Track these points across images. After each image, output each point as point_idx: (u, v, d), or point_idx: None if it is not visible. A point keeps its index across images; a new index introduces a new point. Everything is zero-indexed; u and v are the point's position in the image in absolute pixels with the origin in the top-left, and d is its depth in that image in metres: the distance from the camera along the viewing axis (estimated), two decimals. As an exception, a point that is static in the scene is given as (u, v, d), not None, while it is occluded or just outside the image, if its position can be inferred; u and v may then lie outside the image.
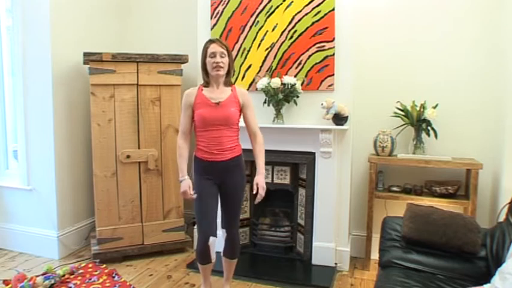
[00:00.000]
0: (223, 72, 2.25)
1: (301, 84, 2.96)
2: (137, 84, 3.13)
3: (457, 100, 2.99)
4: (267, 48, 3.11)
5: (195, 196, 2.26)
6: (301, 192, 3.19)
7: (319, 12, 2.93)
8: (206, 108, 2.25)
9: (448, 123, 3.00)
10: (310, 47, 2.98)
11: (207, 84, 2.32)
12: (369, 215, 3.00)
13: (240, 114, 2.36)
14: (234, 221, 2.41)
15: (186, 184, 2.27)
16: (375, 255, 2.94)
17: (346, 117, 2.89)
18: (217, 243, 2.38)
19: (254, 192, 2.27)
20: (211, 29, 3.24)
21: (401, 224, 2.23)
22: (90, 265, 3.05)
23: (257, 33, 3.12)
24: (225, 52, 2.23)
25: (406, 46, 3.09)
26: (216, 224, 2.32)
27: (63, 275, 2.81)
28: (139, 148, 3.17)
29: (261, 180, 2.29)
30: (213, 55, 2.21)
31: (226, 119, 2.25)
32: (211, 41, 2.26)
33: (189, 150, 2.38)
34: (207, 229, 2.29)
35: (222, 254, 2.48)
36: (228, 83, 2.34)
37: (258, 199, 2.27)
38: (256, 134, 2.38)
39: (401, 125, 3.00)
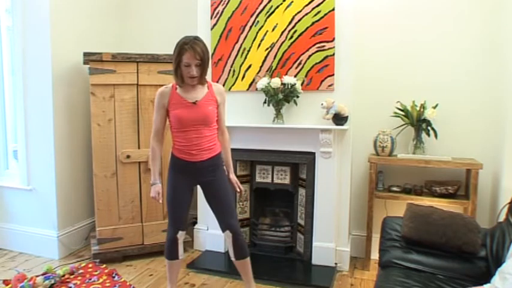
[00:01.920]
0: (196, 81, 2.19)
1: (301, 84, 2.96)
2: (137, 84, 3.13)
3: (457, 100, 2.99)
4: (267, 48, 3.11)
5: (160, 201, 2.35)
6: (301, 192, 3.19)
7: (319, 12, 2.93)
8: (182, 108, 2.19)
9: (448, 123, 3.00)
10: (310, 47, 2.98)
11: (181, 83, 2.22)
12: (369, 215, 3.00)
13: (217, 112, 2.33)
14: (231, 218, 2.34)
15: (157, 190, 2.32)
16: (375, 255, 2.94)
17: (346, 117, 2.89)
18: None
19: (238, 190, 2.39)
20: (211, 29, 3.24)
21: (401, 224, 2.23)
22: (90, 265, 3.05)
23: (257, 33, 3.12)
24: (200, 62, 2.11)
25: (406, 46, 3.09)
26: (186, 219, 2.39)
27: (63, 275, 2.81)
28: (139, 148, 3.17)
29: (234, 177, 2.43)
30: (188, 65, 2.11)
31: (204, 119, 2.21)
32: (185, 49, 2.09)
33: (162, 151, 2.40)
34: (177, 222, 2.34)
35: (233, 258, 2.40)
36: (203, 82, 2.25)
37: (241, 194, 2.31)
38: (223, 131, 2.41)
39: (401, 125, 3.00)
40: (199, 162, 2.26)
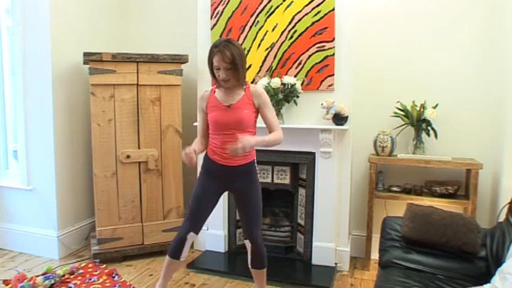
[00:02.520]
0: (229, 84, 2.11)
1: (301, 84, 2.96)
2: (137, 84, 3.13)
3: (457, 100, 2.99)
4: (267, 48, 3.11)
5: (184, 155, 2.05)
6: (301, 192, 3.19)
7: (319, 12, 2.93)
8: (218, 111, 2.16)
9: (448, 123, 3.00)
10: (310, 47, 2.98)
11: (219, 85, 2.18)
12: (369, 215, 3.00)
13: (257, 116, 2.22)
14: (255, 229, 2.28)
15: (185, 151, 2.06)
16: (375, 255, 2.94)
17: (346, 117, 2.89)
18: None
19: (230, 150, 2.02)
20: (211, 29, 3.24)
21: (401, 224, 2.23)
22: (90, 265, 3.05)
23: (257, 33, 3.12)
24: (229, 65, 2.04)
25: (406, 46, 3.09)
26: (202, 224, 2.30)
27: (63, 275, 2.81)
28: (139, 148, 3.17)
29: (247, 139, 1.98)
30: (217, 68, 2.07)
31: (238, 123, 2.13)
32: (213, 52, 2.06)
33: (206, 144, 2.28)
34: (193, 222, 2.26)
35: (249, 266, 2.38)
36: (241, 84, 2.16)
37: (232, 150, 1.98)
38: (277, 132, 2.18)
39: (401, 125, 3.00)
40: (232, 168, 2.19)
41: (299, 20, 2.99)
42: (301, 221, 3.18)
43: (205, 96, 2.26)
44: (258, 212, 2.28)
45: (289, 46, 3.04)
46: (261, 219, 2.32)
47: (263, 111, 2.19)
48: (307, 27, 2.97)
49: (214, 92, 2.23)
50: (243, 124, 2.15)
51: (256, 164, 2.31)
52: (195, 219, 2.27)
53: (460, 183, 2.89)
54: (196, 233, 2.29)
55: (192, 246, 3.39)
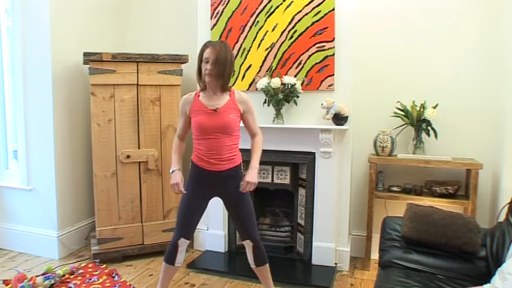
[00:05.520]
0: (211, 79, 2.13)
1: (301, 84, 2.96)
2: (137, 84, 3.13)
3: (457, 100, 2.99)
4: (267, 48, 3.11)
5: (184, 192, 2.25)
6: (301, 192, 3.19)
7: (319, 12, 2.93)
8: (203, 115, 2.16)
9: (448, 123, 3.00)
10: (310, 47, 2.98)
11: (204, 89, 2.21)
12: (369, 215, 3.00)
13: (240, 120, 2.28)
14: (252, 228, 2.30)
15: (178, 176, 2.25)
16: (375, 255, 2.95)
17: (346, 117, 2.89)
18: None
19: (241, 189, 2.20)
20: (211, 29, 3.24)
21: (401, 224, 2.23)
22: (90, 265, 3.05)
23: (257, 33, 3.12)
24: (217, 59, 2.08)
25: (406, 46, 3.09)
26: (193, 229, 2.31)
27: (63, 275, 2.81)
28: (139, 148, 3.17)
29: (251, 175, 2.19)
30: (207, 60, 2.10)
31: (224, 127, 2.15)
32: (207, 45, 2.13)
33: (184, 150, 2.38)
34: (182, 230, 2.27)
35: (253, 265, 2.39)
36: (225, 89, 2.20)
37: (245, 190, 2.20)
38: (256, 134, 2.34)
39: (401, 125, 3.00)
40: (218, 173, 2.20)
41: (299, 20, 2.99)
42: (301, 221, 3.18)
43: (189, 99, 2.25)
44: (252, 211, 2.31)
45: (289, 46, 3.04)
46: (255, 217, 2.34)
47: (246, 116, 2.28)
48: (307, 27, 2.97)
49: (199, 96, 2.23)
50: (229, 128, 2.17)
51: (242, 168, 2.32)
52: (185, 226, 2.28)
53: (460, 183, 2.89)
54: (188, 238, 2.30)
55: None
